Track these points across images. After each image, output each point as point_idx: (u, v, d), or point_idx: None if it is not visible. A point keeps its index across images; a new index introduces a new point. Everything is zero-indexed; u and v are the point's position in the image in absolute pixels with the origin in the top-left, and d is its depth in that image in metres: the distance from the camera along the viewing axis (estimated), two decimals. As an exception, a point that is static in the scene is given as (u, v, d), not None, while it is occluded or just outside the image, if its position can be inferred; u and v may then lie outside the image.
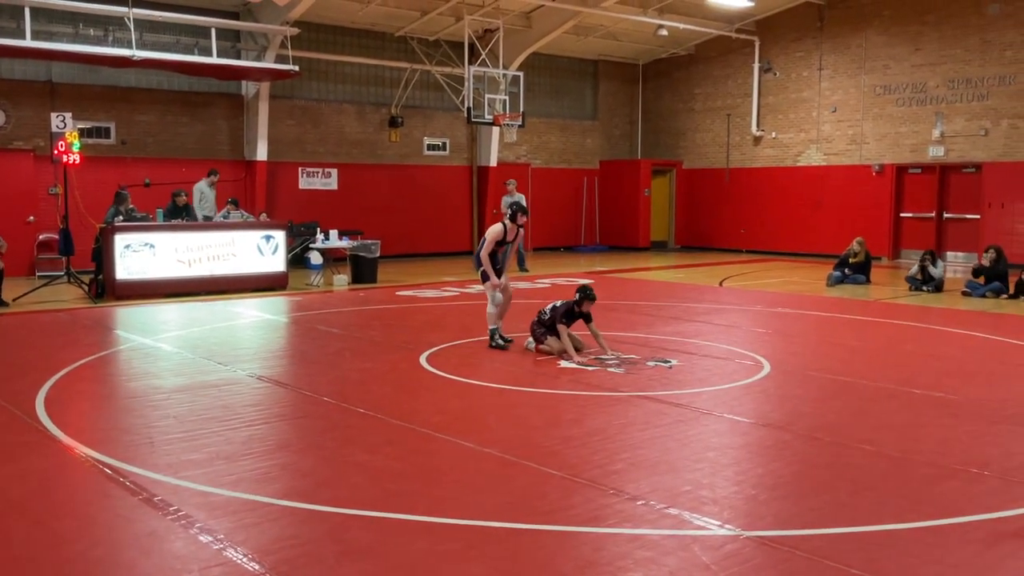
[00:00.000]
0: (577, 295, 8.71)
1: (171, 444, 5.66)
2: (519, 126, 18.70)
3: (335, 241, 15.43)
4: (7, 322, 10.91)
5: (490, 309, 9.12)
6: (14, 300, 12.33)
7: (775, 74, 22.00)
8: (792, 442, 5.78)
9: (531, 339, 8.96)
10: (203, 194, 15.08)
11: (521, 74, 18.95)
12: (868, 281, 15.65)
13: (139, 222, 13.41)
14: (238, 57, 17.38)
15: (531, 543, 4.13)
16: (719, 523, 4.33)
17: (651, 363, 8.28)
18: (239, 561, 3.86)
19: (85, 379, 7.83)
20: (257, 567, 3.80)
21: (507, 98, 18.47)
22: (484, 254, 9.06)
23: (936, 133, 19.32)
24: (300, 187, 19.15)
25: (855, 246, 15.85)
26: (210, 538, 4.11)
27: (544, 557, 3.97)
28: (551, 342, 8.68)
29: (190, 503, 4.56)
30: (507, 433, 6.00)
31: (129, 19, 14.70)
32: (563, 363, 8.24)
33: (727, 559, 3.91)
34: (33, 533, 4.22)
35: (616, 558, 3.93)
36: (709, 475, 5.09)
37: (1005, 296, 13.66)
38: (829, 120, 21.11)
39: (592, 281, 9.23)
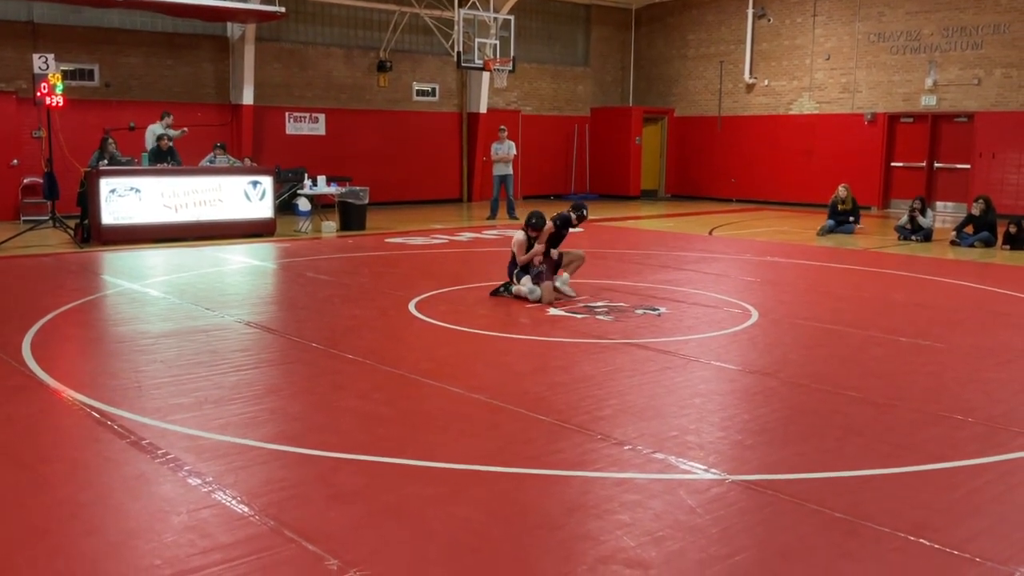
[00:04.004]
0: (573, 213, 8.97)
1: (159, 388, 5.65)
2: (510, 71, 18.47)
3: (323, 187, 15.30)
4: (-8, 267, 10.83)
5: (526, 289, 8.68)
6: (-1, 244, 12.23)
7: (769, 20, 21.75)
8: (779, 389, 5.81)
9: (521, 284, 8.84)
10: (155, 136, 14.71)
11: (512, 18, 18.67)
12: (858, 222, 15.68)
13: (124, 166, 13.25)
14: (223, -3, 17.03)
15: (519, 486, 4.15)
16: (705, 467, 4.36)
17: (639, 311, 8.29)
18: (228, 503, 3.88)
19: (72, 324, 7.79)
20: (246, 509, 3.81)
21: (498, 43, 18.21)
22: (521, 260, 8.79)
23: (929, 82, 19.19)
24: (287, 132, 18.93)
25: (841, 192, 15.83)
26: (199, 481, 4.12)
27: (531, 500, 4.00)
28: (521, 286, 8.67)
29: (178, 446, 4.57)
30: (495, 379, 6.01)
31: (111, -43, 14.37)
32: (552, 311, 8.23)
33: (712, 502, 3.95)
34: (20, 476, 4.23)
35: (602, 501, 3.96)
36: (696, 421, 5.12)
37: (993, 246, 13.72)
38: (822, 68, 20.92)
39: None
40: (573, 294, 8.80)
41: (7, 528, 3.66)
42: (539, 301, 8.53)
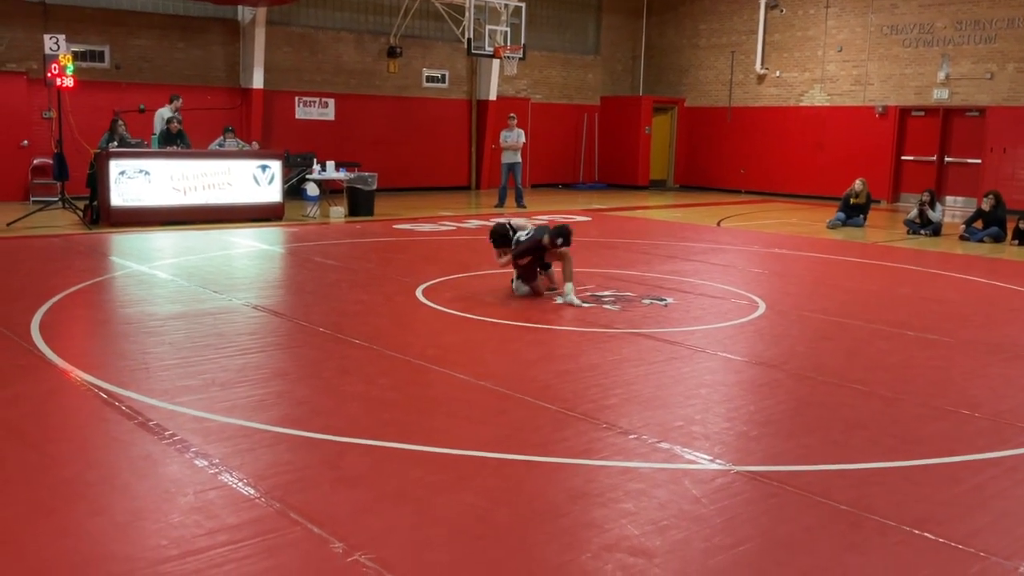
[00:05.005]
0: (558, 239, 8.10)
1: (167, 370, 5.67)
2: (520, 59, 18.43)
3: (332, 173, 15.30)
4: (1, 247, 10.85)
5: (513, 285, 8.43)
6: (9, 224, 12.26)
7: (781, 11, 21.63)
8: (785, 381, 5.80)
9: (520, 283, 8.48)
10: (163, 120, 14.66)
11: (523, 5, 18.60)
12: (864, 222, 15.61)
13: (133, 148, 13.26)
14: (234, -19, 17.02)
15: (524, 473, 4.16)
16: (710, 458, 4.36)
17: (646, 301, 8.28)
18: (234, 485, 3.89)
19: (80, 304, 7.82)
20: (252, 491, 3.83)
21: (508, 30, 18.16)
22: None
23: (941, 75, 19.08)
24: (297, 117, 18.92)
25: (857, 185, 15.74)
26: (205, 462, 4.14)
27: (537, 487, 4.01)
28: (537, 284, 8.37)
29: (185, 428, 4.59)
30: (502, 367, 6.02)
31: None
32: (558, 299, 8.22)
33: (717, 492, 3.95)
34: (28, 455, 4.25)
35: (607, 489, 3.97)
36: (701, 411, 5.12)
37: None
38: (834, 60, 20.82)
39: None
40: (583, 303, 8.17)
41: (15, 506, 3.68)
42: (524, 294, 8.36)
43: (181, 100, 14.71)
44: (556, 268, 8.72)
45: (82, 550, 3.35)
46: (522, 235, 8.40)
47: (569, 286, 8.14)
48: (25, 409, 4.91)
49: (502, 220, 8.65)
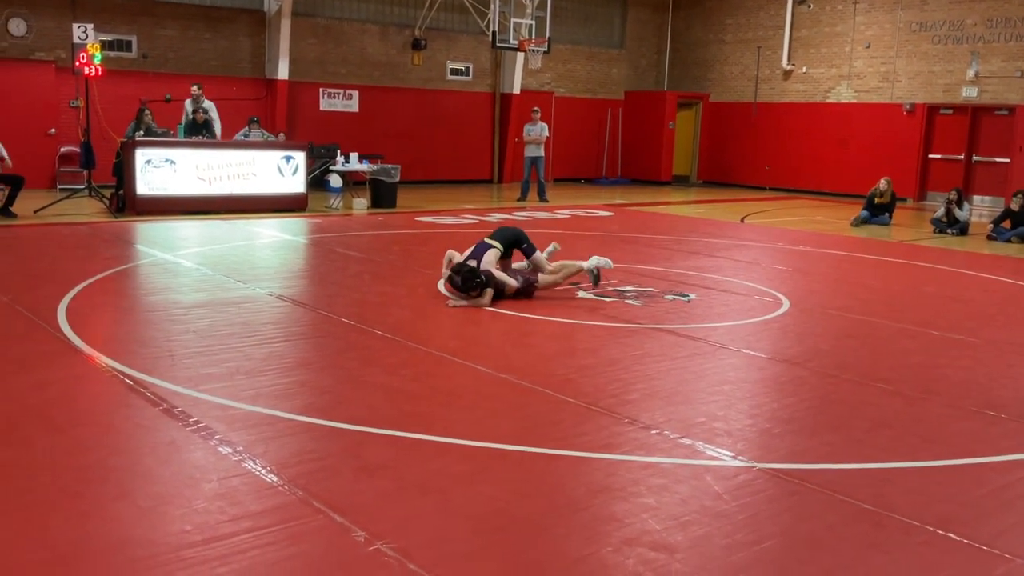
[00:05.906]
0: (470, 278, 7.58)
1: (191, 358, 5.71)
2: (544, 52, 18.37)
3: (355, 164, 15.34)
4: (28, 233, 10.98)
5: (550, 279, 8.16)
6: (36, 212, 12.39)
7: (809, 6, 21.44)
8: (808, 378, 5.77)
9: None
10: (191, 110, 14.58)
11: (549, -2, 18.55)
12: (890, 220, 15.48)
13: (159, 137, 13.36)
14: (260, -28, 17.08)
15: (545, 467, 4.16)
16: (732, 454, 4.35)
17: (669, 296, 8.25)
18: (258, 473, 3.92)
19: (106, 292, 7.89)
20: (275, 479, 3.85)
21: (533, 23, 18.10)
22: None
23: (971, 73, 18.85)
24: (321, 108, 18.97)
25: (882, 184, 15.60)
26: (229, 450, 4.17)
27: (557, 480, 4.01)
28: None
29: (209, 415, 4.62)
30: (523, 360, 6.02)
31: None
32: (581, 293, 8.21)
33: (739, 489, 3.94)
34: (54, 440, 4.29)
35: (629, 484, 3.96)
36: (724, 407, 5.10)
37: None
38: (862, 56, 20.62)
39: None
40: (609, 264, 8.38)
41: (41, 489, 3.72)
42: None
43: (198, 87, 14.59)
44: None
45: (106, 534, 3.38)
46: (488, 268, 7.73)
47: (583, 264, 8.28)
48: (51, 394, 4.97)
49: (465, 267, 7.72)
